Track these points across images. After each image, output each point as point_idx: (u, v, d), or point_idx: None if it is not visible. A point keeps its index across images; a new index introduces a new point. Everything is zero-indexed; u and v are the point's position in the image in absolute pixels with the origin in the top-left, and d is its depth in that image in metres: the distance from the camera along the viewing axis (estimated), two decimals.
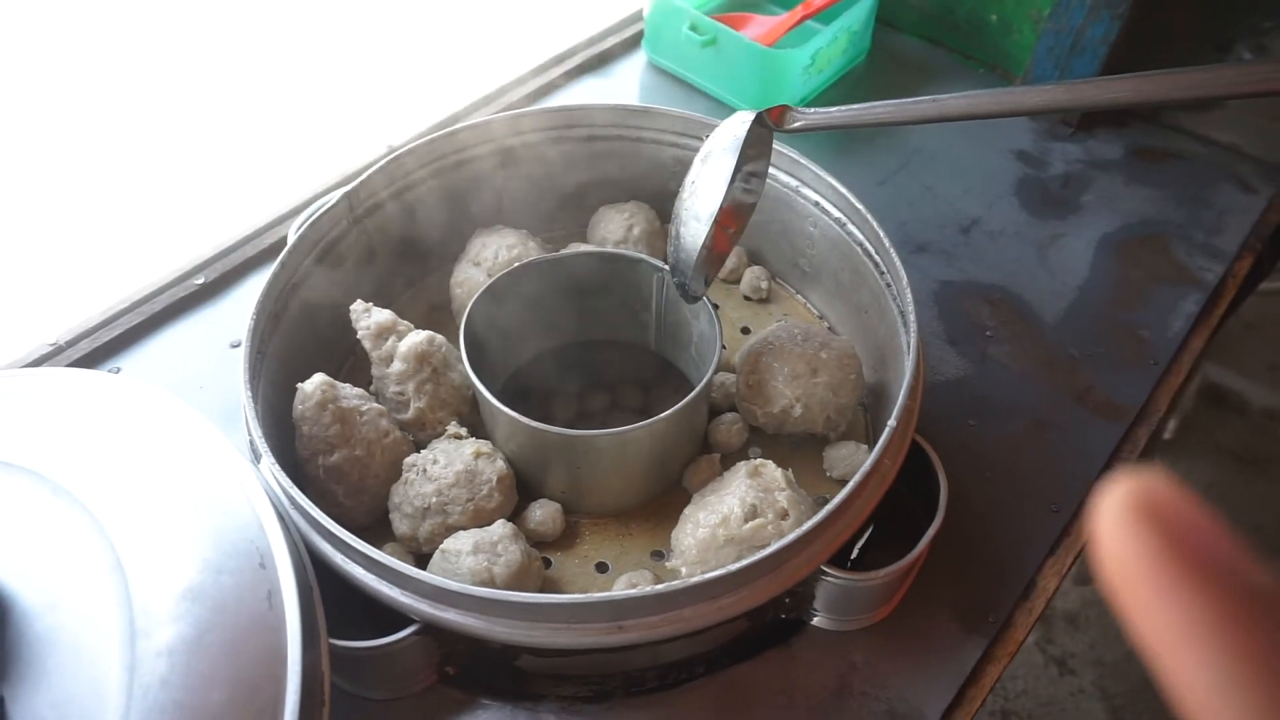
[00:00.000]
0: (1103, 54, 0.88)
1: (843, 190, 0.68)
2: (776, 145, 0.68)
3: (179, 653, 0.43)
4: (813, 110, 0.58)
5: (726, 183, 0.56)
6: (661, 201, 0.78)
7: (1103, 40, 0.87)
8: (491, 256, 0.72)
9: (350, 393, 0.62)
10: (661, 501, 0.65)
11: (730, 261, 0.78)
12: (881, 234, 0.65)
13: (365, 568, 0.52)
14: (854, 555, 0.62)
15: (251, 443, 0.56)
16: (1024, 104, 0.50)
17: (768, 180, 0.73)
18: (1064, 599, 1.61)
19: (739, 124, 0.58)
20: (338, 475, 0.60)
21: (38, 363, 0.71)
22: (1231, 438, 1.80)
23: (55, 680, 0.43)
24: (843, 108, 0.56)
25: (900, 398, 0.57)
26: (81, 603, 0.45)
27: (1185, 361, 0.74)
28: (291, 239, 0.66)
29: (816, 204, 0.72)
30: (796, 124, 0.58)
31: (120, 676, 0.42)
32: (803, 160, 0.70)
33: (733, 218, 0.62)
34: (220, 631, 0.44)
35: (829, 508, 0.52)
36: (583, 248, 0.74)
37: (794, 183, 0.72)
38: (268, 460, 0.54)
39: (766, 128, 0.59)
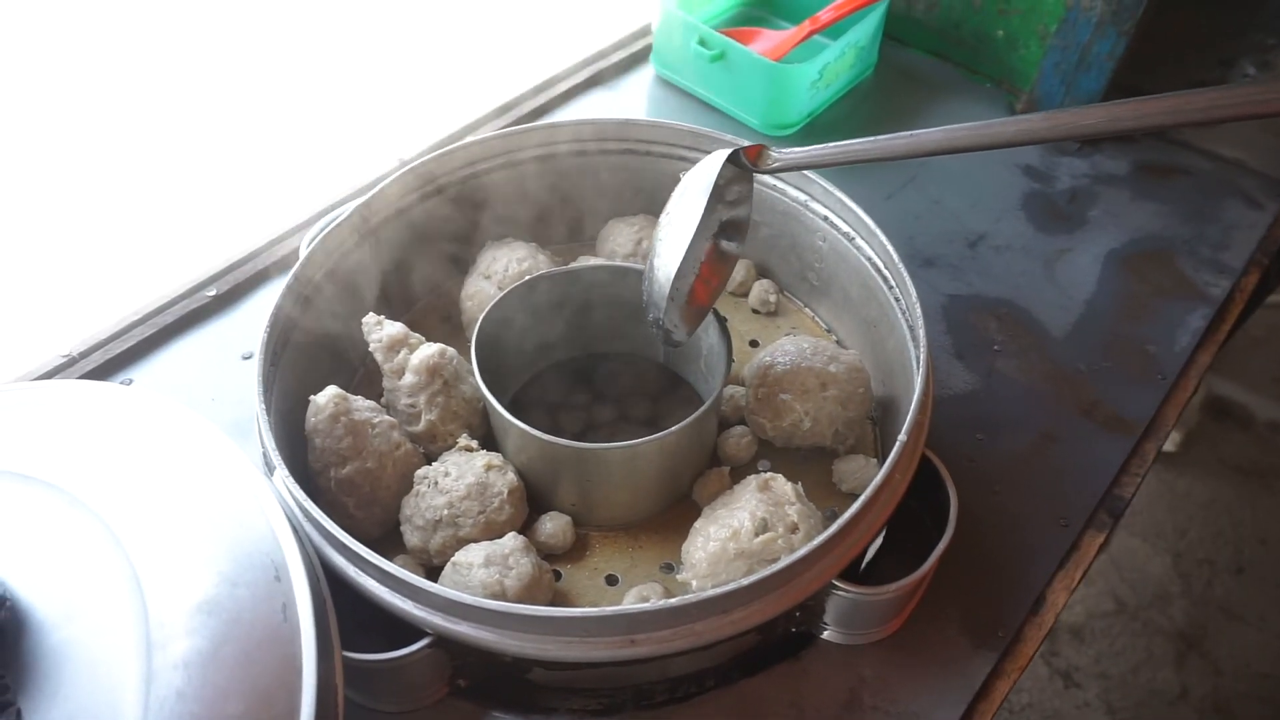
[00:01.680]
0: (1109, 70, 0.89)
1: (851, 205, 0.69)
2: None
3: (195, 665, 0.43)
4: (790, 150, 0.59)
5: (699, 218, 0.57)
6: None
7: (1109, 56, 0.88)
8: (502, 269, 0.72)
9: (362, 405, 0.62)
10: (671, 514, 0.66)
11: (739, 274, 0.79)
12: (890, 248, 0.65)
13: (379, 580, 0.52)
14: (863, 569, 0.62)
15: (265, 455, 0.56)
16: (1000, 136, 0.50)
17: (778, 194, 0.74)
18: (1069, 612, 1.60)
19: (715, 161, 0.59)
20: (349, 487, 0.61)
21: (51, 374, 0.71)
22: (1236, 451, 1.80)
23: (72, 692, 0.43)
24: (819, 147, 0.57)
25: (910, 412, 0.57)
26: (98, 615, 0.45)
27: (1192, 376, 0.75)
28: (304, 251, 0.67)
29: (825, 218, 0.72)
30: (774, 164, 0.59)
31: (137, 688, 0.42)
32: (811, 175, 0.71)
33: (714, 271, 0.62)
34: (235, 644, 0.44)
35: (840, 522, 0.52)
36: (592, 261, 0.75)
37: (803, 197, 0.73)
38: (281, 473, 0.55)
39: (745, 168, 0.60)
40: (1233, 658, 1.54)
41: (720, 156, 0.59)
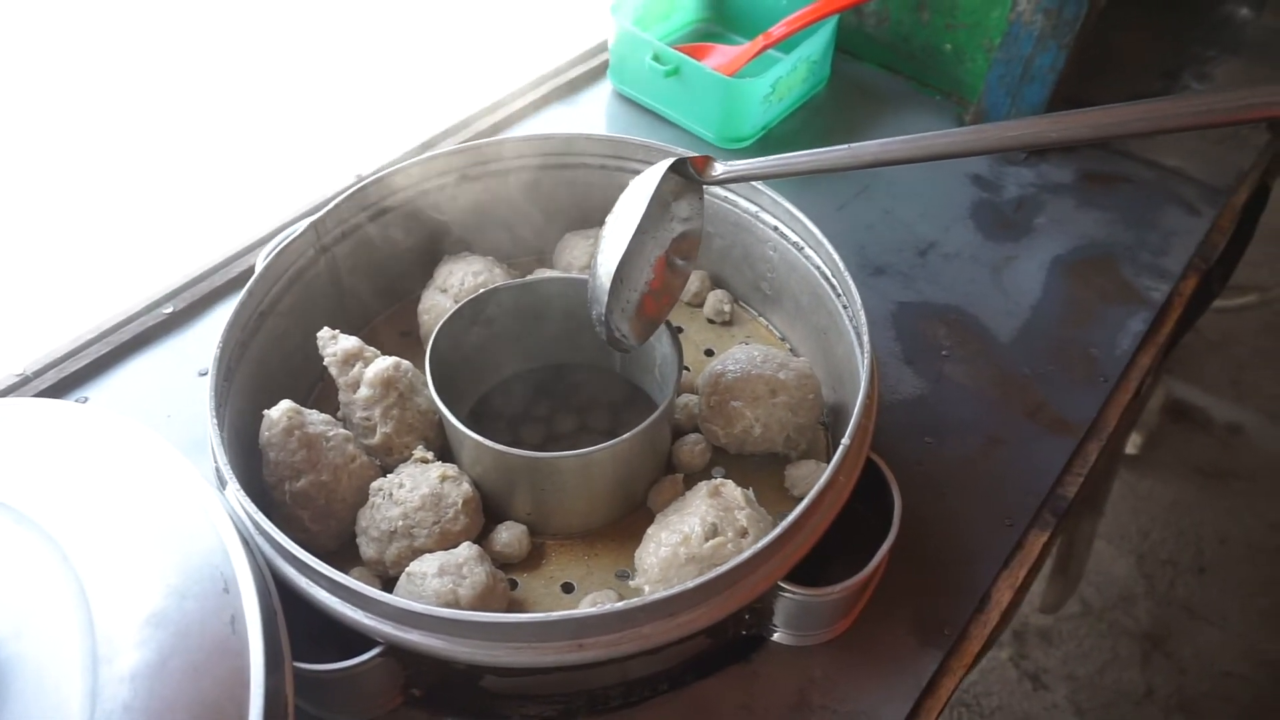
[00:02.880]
0: (1051, 82, 0.91)
1: (799, 215, 0.70)
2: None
3: (142, 678, 0.43)
4: (736, 162, 0.61)
5: (641, 212, 0.59)
6: None
7: (1051, 69, 0.90)
8: (458, 283, 0.73)
9: (317, 419, 0.63)
10: (627, 522, 0.67)
11: (694, 285, 0.80)
12: (836, 258, 0.67)
13: (329, 591, 0.52)
14: (818, 573, 0.63)
15: (217, 470, 0.57)
16: (930, 149, 0.53)
17: (730, 205, 0.76)
18: (1037, 615, 1.63)
19: (661, 165, 0.61)
20: (304, 500, 0.61)
21: (5, 393, 0.71)
22: (1197, 453, 1.83)
23: (18, 707, 0.43)
24: (763, 159, 0.59)
25: (854, 416, 0.58)
26: (45, 630, 0.45)
27: (1133, 378, 0.77)
28: (259, 268, 0.67)
29: (775, 229, 0.74)
30: (720, 175, 0.61)
31: (83, 703, 0.43)
32: (762, 187, 0.73)
33: (665, 287, 0.64)
34: (183, 656, 0.44)
35: (784, 525, 0.53)
36: (548, 273, 0.76)
37: (754, 209, 0.75)
38: (233, 487, 0.55)
39: (692, 179, 0.62)
40: (1196, 657, 1.57)
41: (666, 162, 0.60)
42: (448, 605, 0.55)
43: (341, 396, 0.66)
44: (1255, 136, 0.99)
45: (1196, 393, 1.92)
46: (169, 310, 0.78)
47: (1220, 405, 1.90)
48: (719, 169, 0.61)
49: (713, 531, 0.58)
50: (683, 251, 0.64)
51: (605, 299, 0.59)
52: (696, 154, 0.63)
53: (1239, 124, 0.47)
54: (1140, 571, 1.69)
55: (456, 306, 0.68)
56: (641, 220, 0.59)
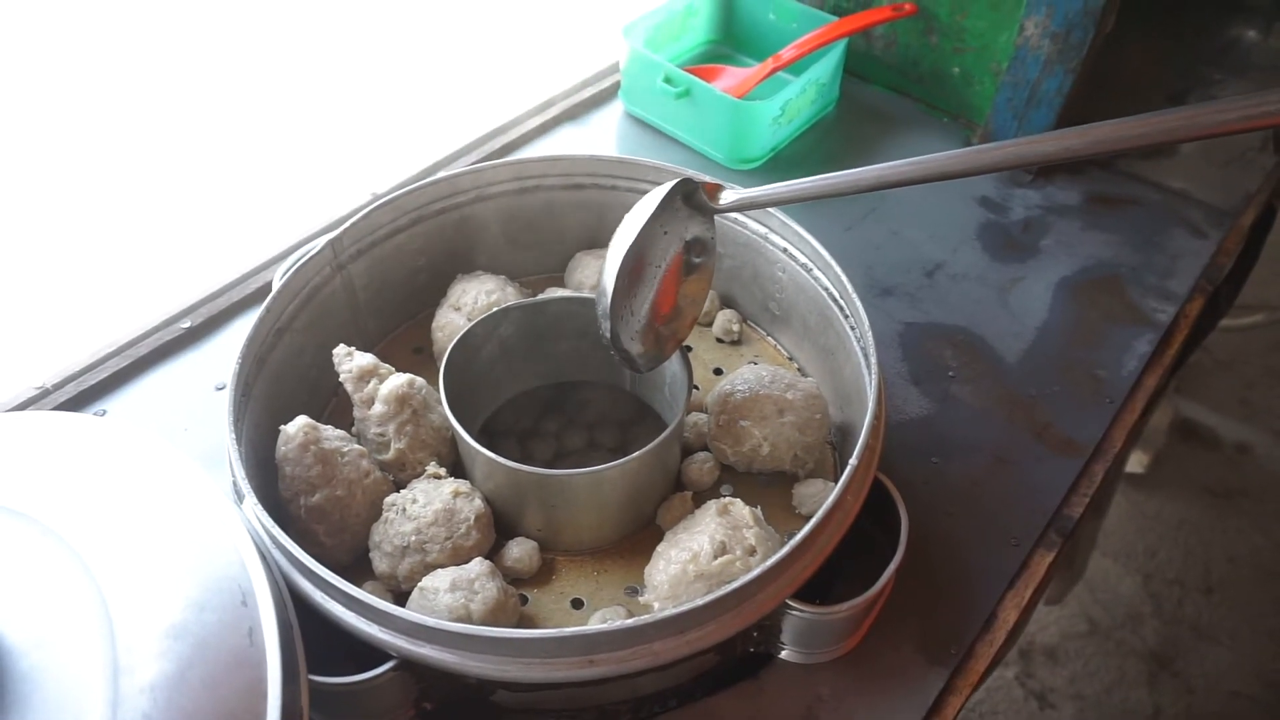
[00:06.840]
0: (1058, 106, 0.92)
1: (808, 237, 0.71)
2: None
3: (161, 689, 0.44)
4: (746, 190, 0.62)
5: (642, 223, 0.60)
6: None
7: (1058, 93, 0.91)
8: (471, 301, 0.74)
9: (332, 434, 0.64)
10: (636, 539, 0.67)
11: (704, 304, 0.81)
12: (844, 279, 0.68)
13: (344, 605, 0.53)
14: (828, 591, 0.63)
15: (235, 483, 0.58)
16: (936, 169, 0.53)
17: (739, 226, 0.77)
18: (1043, 633, 1.62)
19: (665, 186, 0.62)
20: (319, 515, 0.62)
21: (24, 406, 0.72)
22: (1205, 472, 1.83)
23: (40, 716, 0.44)
24: (772, 186, 0.61)
25: (861, 436, 0.59)
26: (66, 640, 0.46)
27: (1139, 399, 0.77)
28: (276, 284, 0.68)
29: (784, 250, 0.75)
30: (732, 201, 0.62)
31: (103, 713, 0.43)
32: (770, 209, 0.73)
33: (676, 314, 0.65)
34: (202, 668, 0.45)
35: (792, 543, 0.54)
36: (560, 292, 0.77)
37: (763, 230, 0.76)
38: (250, 500, 0.56)
39: (704, 206, 0.63)
40: (1204, 677, 1.57)
41: (671, 183, 0.61)
42: (460, 620, 0.56)
43: (356, 413, 0.67)
44: (1262, 158, 1.00)
45: (1204, 411, 1.92)
46: (186, 325, 0.79)
47: (1228, 424, 1.90)
48: (729, 196, 0.62)
49: (721, 549, 0.59)
50: (694, 293, 0.65)
51: (607, 310, 0.60)
52: (704, 174, 0.64)
53: (1242, 132, 0.48)
54: (1147, 591, 1.68)
55: (470, 325, 0.69)
56: (641, 239, 0.60)
